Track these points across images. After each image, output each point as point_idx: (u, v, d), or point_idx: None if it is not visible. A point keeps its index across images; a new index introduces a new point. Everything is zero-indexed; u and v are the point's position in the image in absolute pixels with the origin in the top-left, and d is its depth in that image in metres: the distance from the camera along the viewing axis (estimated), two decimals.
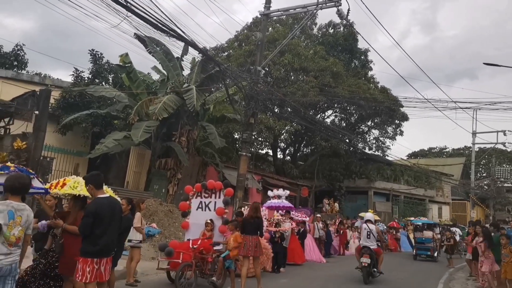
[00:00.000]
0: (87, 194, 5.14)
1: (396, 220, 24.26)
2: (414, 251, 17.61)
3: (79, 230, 4.66)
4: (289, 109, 23.41)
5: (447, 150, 56.98)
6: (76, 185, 5.32)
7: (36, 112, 12.55)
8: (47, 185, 5.65)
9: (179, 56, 17.87)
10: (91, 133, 16.59)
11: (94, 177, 4.88)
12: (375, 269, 10.04)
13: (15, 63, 20.86)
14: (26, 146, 11.15)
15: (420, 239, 17.65)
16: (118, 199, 6.15)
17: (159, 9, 9.56)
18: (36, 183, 5.19)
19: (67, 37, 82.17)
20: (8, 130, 13.96)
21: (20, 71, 19.73)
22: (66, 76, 58.08)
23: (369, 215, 12.05)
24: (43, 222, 6.06)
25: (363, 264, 9.71)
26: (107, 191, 5.44)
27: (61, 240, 5.23)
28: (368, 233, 10.17)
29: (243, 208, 12.15)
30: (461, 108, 21.35)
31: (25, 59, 21.33)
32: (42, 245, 5.74)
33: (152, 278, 8.45)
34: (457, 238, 18.22)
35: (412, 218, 25.11)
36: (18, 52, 20.99)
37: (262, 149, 28.47)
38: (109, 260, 4.79)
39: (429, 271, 13.60)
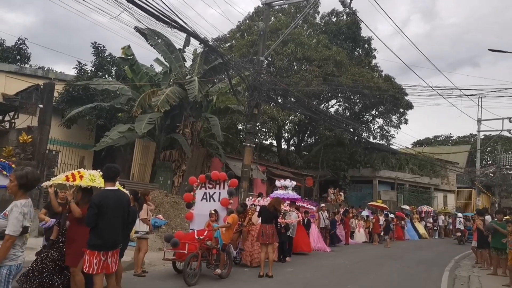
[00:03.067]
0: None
1: (402, 209, 24.40)
2: (465, 236, 20.76)
3: (85, 222, 4.70)
4: (292, 99, 23.33)
5: (452, 138, 56.64)
6: (93, 177, 5.37)
7: (41, 106, 12.59)
8: (63, 178, 5.59)
9: (181, 48, 17.80)
10: (95, 126, 16.64)
11: (104, 169, 4.92)
12: (464, 237, 20.27)
13: (18, 57, 20.88)
14: (31, 140, 11.21)
15: (470, 227, 20.62)
16: (127, 192, 6.19)
17: (161, 0, 9.51)
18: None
19: (68, 31, 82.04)
20: (13, 124, 14.05)
21: (23, 65, 19.74)
22: (69, 70, 58.12)
23: (460, 214, 23.72)
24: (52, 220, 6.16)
25: (457, 235, 20.86)
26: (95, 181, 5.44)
27: (67, 213, 5.30)
28: (459, 222, 21.90)
29: (247, 199, 12.22)
30: (466, 95, 21.24)
31: (27, 53, 21.34)
32: (51, 234, 5.82)
33: (159, 268, 8.54)
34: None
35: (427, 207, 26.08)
36: (21, 46, 20.99)
37: (266, 140, 28.49)
38: (116, 253, 4.83)
39: (435, 259, 13.63)
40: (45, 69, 21.02)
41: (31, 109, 16.08)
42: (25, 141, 11.12)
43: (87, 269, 4.61)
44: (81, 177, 5.41)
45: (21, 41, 20.96)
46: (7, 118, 14.30)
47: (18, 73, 17.46)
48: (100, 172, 5.30)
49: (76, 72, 17.98)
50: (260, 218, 9.03)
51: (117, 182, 5.57)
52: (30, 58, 21.57)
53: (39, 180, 4.13)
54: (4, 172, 4.46)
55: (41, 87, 14.49)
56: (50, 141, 12.78)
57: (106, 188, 4.87)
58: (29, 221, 3.69)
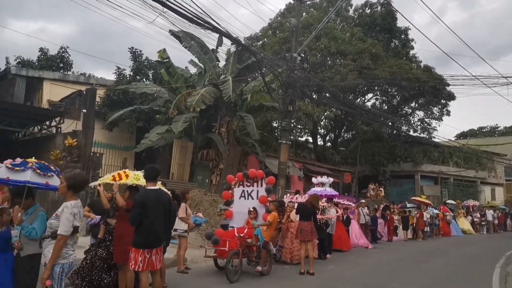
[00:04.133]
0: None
1: (447, 204, 23.52)
2: None
3: (130, 222, 4.84)
4: (327, 95, 22.97)
5: (499, 128, 53.79)
6: (138, 177, 5.63)
7: (84, 110, 13.15)
8: (110, 177, 5.81)
9: (214, 48, 18.01)
10: (135, 128, 17.17)
11: (146, 170, 5.08)
12: None
13: (61, 65, 21.91)
14: (76, 144, 11.73)
15: None
16: (168, 192, 6.37)
17: (193, 2, 9.64)
18: (55, 181, 4.70)
19: (106, 38, 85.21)
20: (59, 129, 14.75)
21: (66, 73, 20.70)
22: (108, 75, 60.36)
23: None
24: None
25: None
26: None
27: (114, 204, 5.47)
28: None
29: (285, 196, 12.18)
30: None
31: (70, 61, 22.35)
32: (97, 231, 6.06)
33: (201, 265, 8.69)
34: None
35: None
36: (63, 54, 22.01)
37: (302, 136, 28.25)
38: (160, 250, 4.95)
39: (484, 255, 13.00)
40: (87, 75, 21.94)
41: (75, 114, 16.84)
42: (70, 144, 11.65)
43: (132, 266, 4.75)
44: (126, 176, 5.68)
45: (63, 49, 21.98)
46: (53, 123, 15.03)
47: (62, 80, 18.35)
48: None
49: (115, 77, 18.64)
50: (299, 215, 8.96)
51: (159, 182, 5.74)
52: (72, 65, 22.61)
53: (87, 181, 4.26)
54: (38, 171, 4.60)
55: (84, 92, 15.13)
56: (94, 144, 13.32)
57: (148, 187, 5.00)
58: (79, 221, 3.84)
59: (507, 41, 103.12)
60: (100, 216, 6.24)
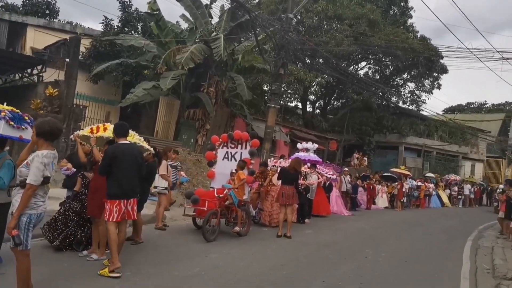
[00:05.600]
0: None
1: (426, 177, 23.99)
2: None
3: (99, 171, 4.93)
4: (320, 60, 22.61)
5: (486, 105, 54.22)
6: None
7: (67, 60, 12.69)
8: (88, 130, 5.70)
9: (208, 3, 17.31)
10: (121, 82, 16.72)
11: (116, 127, 5.14)
12: None
13: (47, 11, 20.93)
14: (58, 94, 11.40)
15: None
16: (151, 148, 6.29)
17: None
18: (29, 134, 4.38)
19: None
20: (41, 77, 14.30)
21: (51, 20, 19.80)
22: (96, 25, 58.13)
23: (501, 186, 19.20)
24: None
25: (495, 205, 19.58)
26: (133, 138, 5.61)
27: (91, 159, 5.44)
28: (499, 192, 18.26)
29: (269, 160, 12.20)
30: (506, 59, 19.92)
31: (56, 8, 21.36)
32: (72, 183, 5.99)
33: (179, 223, 8.76)
34: None
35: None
36: (50, 0, 20.99)
37: (291, 102, 28.04)
38: (135, 201, 5.00)
39: (459, 228, 13.42)
40: (73, 24, 21.02)
41: (59, 63, 16.26)
42: (51, 94, 11.31)
43: (107, 217, 4.77)
44: (105, 129, 5.58)
45: None
46: (35, 71, 14.54)
47: (46, 27, 17.58)
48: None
49: (102, 27, 17.90)
50: (281, 180, 8.96)
51: (142, 138, 5.65)
52: (59, 13, 21.63)
53: (59, 129, 3.92)
54: (11, 123, 4.33)
55: (68, 41, 14.56)
56: (77, 96, 12.97)
57: (119, 142, 5.00)
58: (51, 172, 3.68)
59: (505, 16, 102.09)
60: (76, 169, 6.14)
